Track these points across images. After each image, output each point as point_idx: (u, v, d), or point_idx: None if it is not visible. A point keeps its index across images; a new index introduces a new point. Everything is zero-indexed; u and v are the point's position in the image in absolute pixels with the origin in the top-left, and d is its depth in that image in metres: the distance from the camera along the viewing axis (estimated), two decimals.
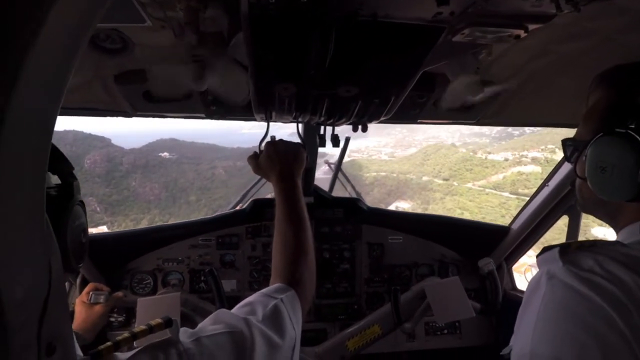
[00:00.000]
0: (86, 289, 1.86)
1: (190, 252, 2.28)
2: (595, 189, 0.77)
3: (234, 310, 0.82)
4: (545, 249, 0.79)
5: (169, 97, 1.32)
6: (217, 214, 2.38)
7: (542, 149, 60.83)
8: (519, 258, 2.47)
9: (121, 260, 2.21)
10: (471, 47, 0.97)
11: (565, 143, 0.92)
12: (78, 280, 2.06)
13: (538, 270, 0.79)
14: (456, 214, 53.26)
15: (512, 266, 2.49)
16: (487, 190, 55.68)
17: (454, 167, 66.01)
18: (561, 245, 0.75)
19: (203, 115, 1.47)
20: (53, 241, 0.43)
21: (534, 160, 57.92)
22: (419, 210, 59.79)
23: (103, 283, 1.98)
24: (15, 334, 0.33)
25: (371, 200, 64.44)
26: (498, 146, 66.63)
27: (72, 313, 1.80)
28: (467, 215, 51.24)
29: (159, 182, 70.77)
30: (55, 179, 0.72)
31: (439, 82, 1.34)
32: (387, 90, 1.11)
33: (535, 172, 54.37)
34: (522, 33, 0.84)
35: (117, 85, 1.23)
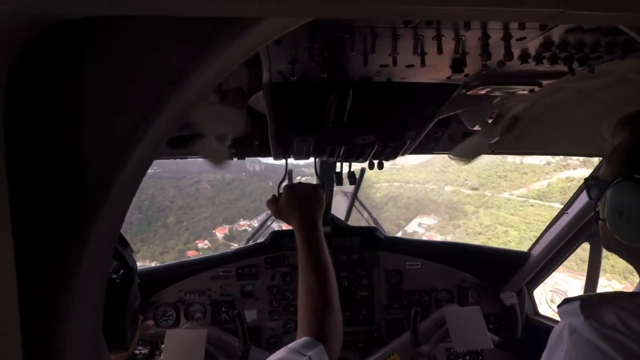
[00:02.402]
0: None
1: (211, 283, 2.46)
2: (614, 232, 0.81)
3: None
4: (567, 301, 0.82)
5: (187, 139, 1.43)
6: (235, 247, 2.61)
7: None
8: (540, 283, 2.60)
9: (144, 293, 2.36)
10: (484, 98, 1.02)
11: (588, 182, 0.95)
12: None
13: (560, 321, 0.82)
14: (499, 232, 43.27)
15: (533, 291, 2.61)
16: (531, 200, 46.71)
17: (483, 174, 57.50)
18: (582, 299, 0.79)
19: None
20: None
21: (585, 163, 47.80)
22: (449, 227, 48.86)
23: None
24: None
25: (387, 218, 53.97)
26: None
27: None
28: (513, 233, 40.68)
29: (132, 202, 59.47)
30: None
31: (453, 116, 1.41)
32: (402, 135, 1.20)
33: None
34: (536, 88, 0.89)
35: None
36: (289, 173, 1.59)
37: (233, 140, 1.41)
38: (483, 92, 0.91)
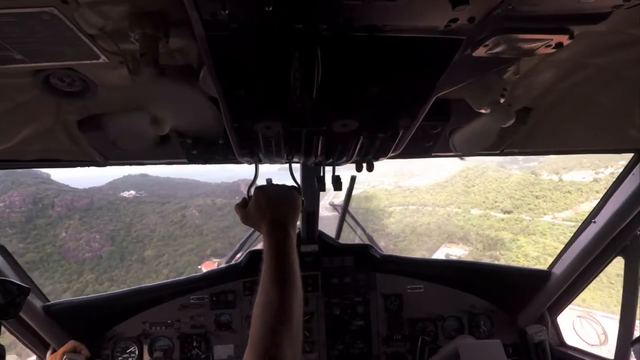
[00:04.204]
0: (63, 348, 1.89)
1: (180, 313, 2.28)
2: None
3: None
4: None
5: (139, 144, 1.22)
6: (208, 270, 2.41)
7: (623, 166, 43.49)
8: (565, 307, 2.34)
9: (101, 327, 2.22)
10: (494, 64, 0.86)
11: None
12: (48, 354, 2.06)
13: None
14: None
15: (556, 317, 2.37)
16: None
17: (515, 194, 51.00)
18: None
19: (185, 160, 1.52)
20: None
21: None
22: (484, 259, 40.09)
23: None
24: None
25: (405, 247, 45.78)
26: (563, 161, 50.37)
27: None
28: None
29: (103, 232, 53.45)
30: None
31: (454, 109, 1.29)
32: (393, 122, 0.99)
33: None
34: (565, 39, 0.71)
35: (82, 132, 1.23)
36: (268, 181, 1.44)
37: (195, 141, 1.31)
38: (493, 51, 0.73)
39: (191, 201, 67.80)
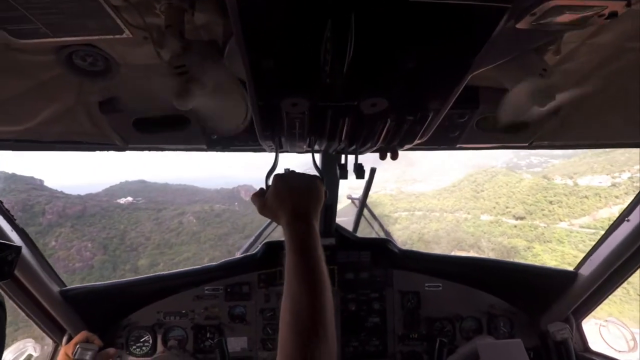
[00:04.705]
0: (75, 339, 1.92)
1: (194, 304, 2.27)
2: None
3: None
4: None
5: (160, 122, 1.30)
6: (224, 260, 2.38)
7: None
8: (591, 311, 2.25)
9: (116, 315, 2.25)
10: (537, 39, 0.85)
11: None
12: (64, 340, 2.10)
13: None
14: None
15: (581, 321, 2.30)
16: (602, 232, 35.42)
17: (528, 199, 49.03)
18: None
19: (204, 146, 1.49)
20: None
21: None
22: None
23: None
24: None
25: None
26: (578, 164, 48.71)
27: None
28: None
29: (96, 240, 51.09)
30: None
31: (483, 96, 1.25)
32: (424, 103, 0.98)
33: None
34: (621, 7, 0.67)
35: (103, 114, 1.23)
36: (287, 170, 1.46)
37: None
38: (540, 20, 0.71)
39: (188, 207, 66.44)
